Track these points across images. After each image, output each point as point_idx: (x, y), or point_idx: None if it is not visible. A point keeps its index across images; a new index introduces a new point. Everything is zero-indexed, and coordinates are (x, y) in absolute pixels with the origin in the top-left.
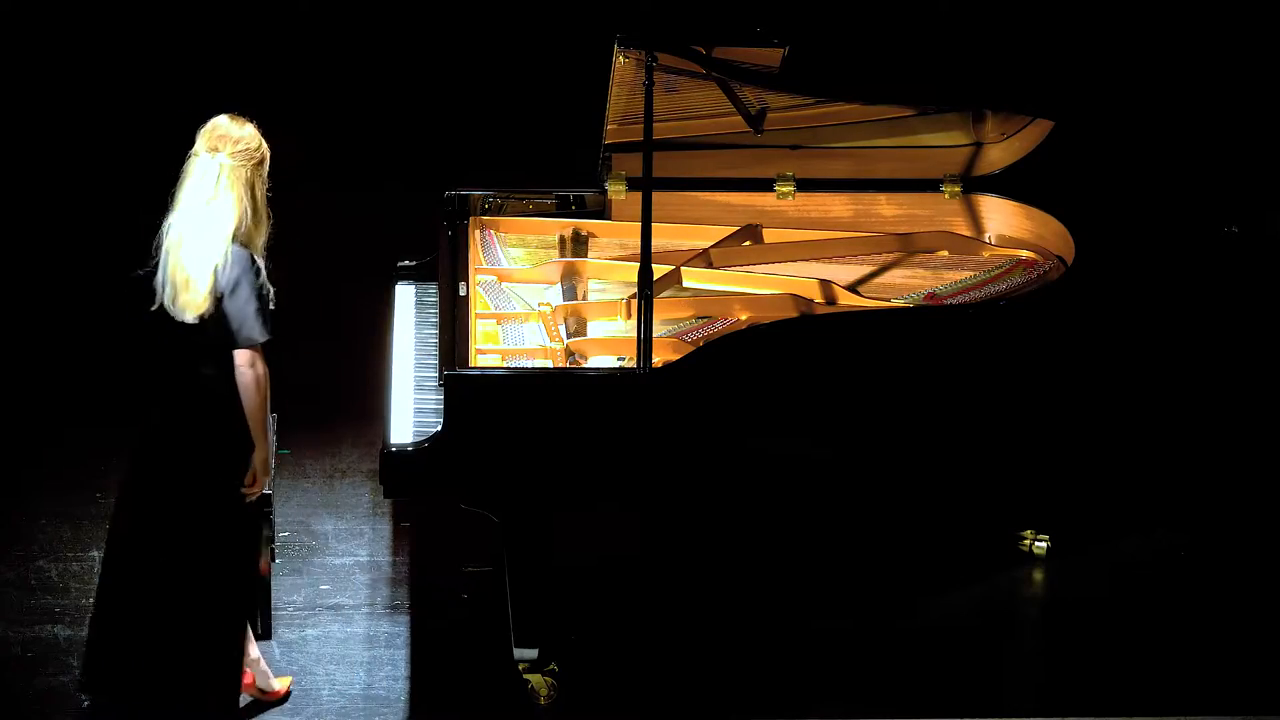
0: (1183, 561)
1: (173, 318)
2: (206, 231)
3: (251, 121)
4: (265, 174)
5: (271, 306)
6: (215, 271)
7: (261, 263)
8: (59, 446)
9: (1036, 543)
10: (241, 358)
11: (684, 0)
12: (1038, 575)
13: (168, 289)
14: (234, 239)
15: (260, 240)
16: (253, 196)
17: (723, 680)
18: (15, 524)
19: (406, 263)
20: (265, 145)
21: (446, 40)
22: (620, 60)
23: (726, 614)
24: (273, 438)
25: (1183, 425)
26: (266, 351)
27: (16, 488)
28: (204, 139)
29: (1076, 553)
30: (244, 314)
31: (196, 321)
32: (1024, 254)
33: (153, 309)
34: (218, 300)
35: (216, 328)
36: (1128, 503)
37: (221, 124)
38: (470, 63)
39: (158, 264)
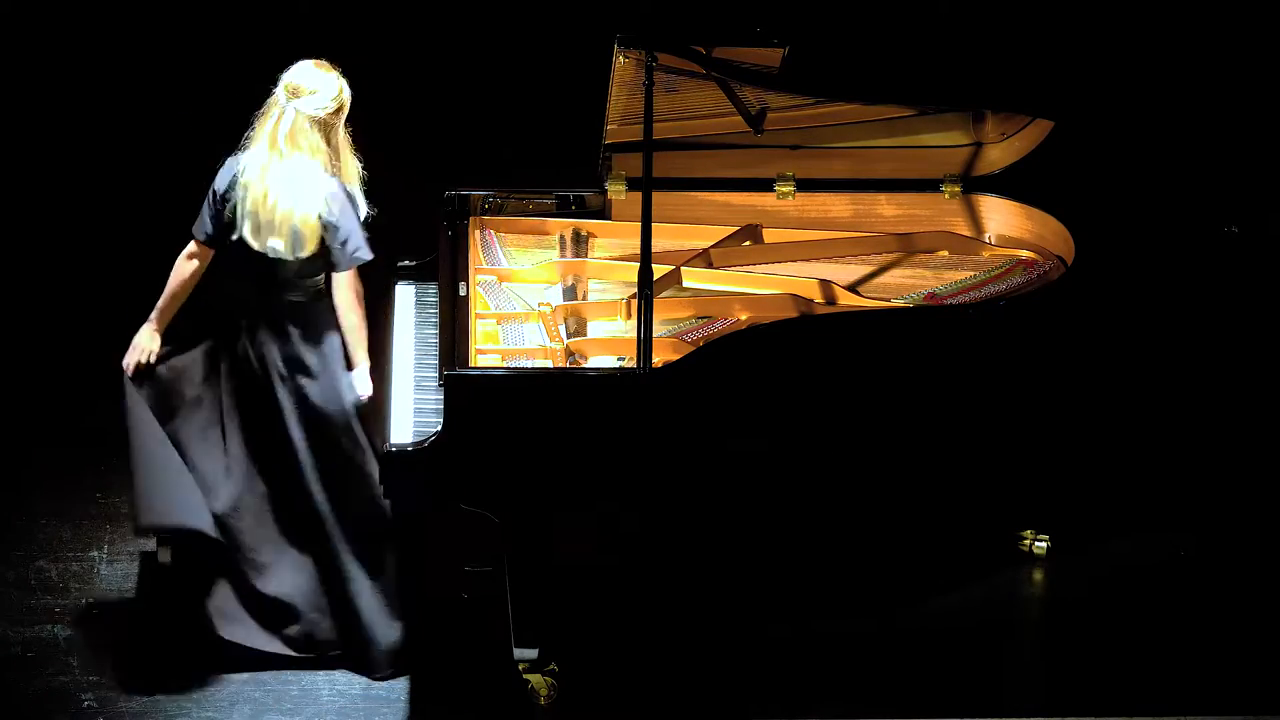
0: (1183, 561)
1: (253, 249)
2: (296, 176)
3: (336, 69)
4: (344, 119)
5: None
6: (319, 214)
7: (355, 190)
8: (58, 447)
9: (1036, 543)
10: (351, 276)
11: (684, 0)
12: (1038, 575)
13: (248, 223)
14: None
15: (348, 172)
16: (327, 139)
17: (722, 680)
18: (15, 524)
19: (406, 263)
20: (345, 93)
21: (446, 40)
22: (620, 60)
23: (727, 614)
24: None
25: (1183, 425)
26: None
27: (16, 487)
28: (284, 86)
29: (1076, 553)
30: (355, 238)
31: (290, 256)
32: (1024, 254)
33: (234, 239)
34: (322, 233)
35: (310, 258)
36: (1128, 503)
37: (301, 72)
38: (470, 62)
39: (226, 198)
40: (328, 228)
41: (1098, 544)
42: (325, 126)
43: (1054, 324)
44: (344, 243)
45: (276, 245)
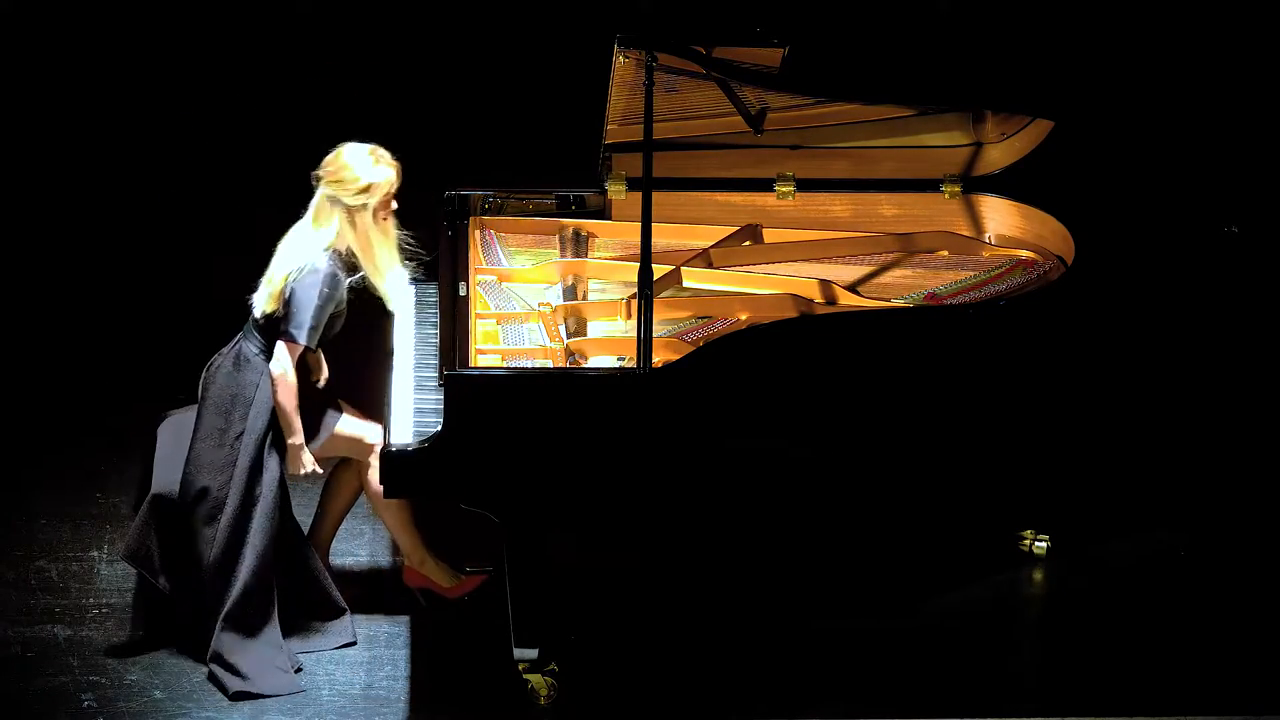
0: (1182, 561)
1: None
2: (300, 242)
3: (374, 152)
4: (373, 203)
5: (337, 327)
6: (289, 275)
7: (346, 279)
8: (58, 447)
9: (1036, 543)
10: (280, 352)
11: (684, 0)
12: (1038, 575)
13: (261, 284)
14: (328, 253)
15: (376, 261)
16: (352, 224)
17: (722, 680)
18: (15, 524)
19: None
20: (371, 178)
21: (447, 40)
22: (620, 60)
23: (727, 614)
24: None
25: (1182, 425)
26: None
27: (17, 487)
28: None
29: (1076, 553)
30: (299, 317)
31: (261, 317)
32: (1024, 254)
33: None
34: (286, 303)
35: (270, 318)
36: (1127, 503)
37: (331, 155)
38: (470, 63)
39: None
40: (287, 292)
41: (1098, 544)
42: (349, 210)
43: (1054, 324)
44: (287, 314)
45: (258, 293)
